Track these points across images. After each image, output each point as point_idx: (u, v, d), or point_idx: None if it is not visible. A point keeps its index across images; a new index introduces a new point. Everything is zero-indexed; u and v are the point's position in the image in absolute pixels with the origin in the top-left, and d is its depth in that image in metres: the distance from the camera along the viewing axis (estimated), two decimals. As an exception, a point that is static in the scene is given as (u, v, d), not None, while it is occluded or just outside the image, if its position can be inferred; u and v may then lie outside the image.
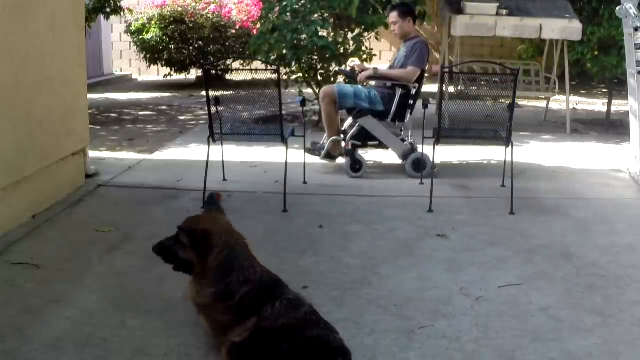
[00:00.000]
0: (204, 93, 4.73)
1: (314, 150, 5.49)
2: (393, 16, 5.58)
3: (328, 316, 2.49)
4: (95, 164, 5.27)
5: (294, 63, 7.18)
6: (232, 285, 2.41)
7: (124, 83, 12.91)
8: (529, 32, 7.56)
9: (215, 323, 2.48)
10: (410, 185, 5.10)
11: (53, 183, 4.40)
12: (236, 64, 10.28)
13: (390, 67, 5.68)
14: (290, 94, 8.00)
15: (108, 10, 8.33)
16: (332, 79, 7.19)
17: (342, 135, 5.50)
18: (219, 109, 4.58)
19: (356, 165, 5.30)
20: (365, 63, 6.36)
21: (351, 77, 5.87)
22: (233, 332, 2.36)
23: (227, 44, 11.26)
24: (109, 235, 3.83)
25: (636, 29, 5.07)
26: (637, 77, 5.16)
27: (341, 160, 5.52)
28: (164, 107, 9.60)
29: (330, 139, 5.42)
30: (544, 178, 5.42)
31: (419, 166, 5.24)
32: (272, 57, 7.11)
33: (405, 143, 5.42)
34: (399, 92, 5.30)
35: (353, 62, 5.86)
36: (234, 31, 11.16)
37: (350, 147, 5.40)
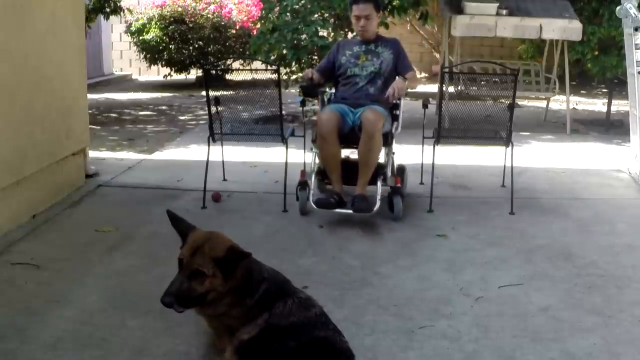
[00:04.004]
0: (204, 93, 4.73)
1: (360, 208, 4.10)
2: (368, 8, 4.45)
3: (328, 316, 2.48)
4: (95, 164, 5.27)
5: (294, 63, 7.18)
6: (252, 285, 2.36)
7: (124, 83, 12.91)
8: (529, 32, 7.55)
9: (224, 327, 2.41)
10: (410, 185, 5.09)
11: (53, 183, 4.40)
12: (236, 64, 10.29)
13: (347, 73, 4.54)
14: (290, 94, 7.99)
15: (107, 10, 8.33)
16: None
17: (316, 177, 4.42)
18: (219, 109, 4.58)
19: None
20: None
21: (310, 92, 4.69)
22: (243, 330, 2.32)
23: (227, 44, 11.27)
24: (109, 235, 3.83)
25: (636, 29, 5.08)
26: (637, 77, 5.16)
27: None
28: (164, 107, 9.60)
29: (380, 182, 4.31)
30: (544, 178, 5.41)
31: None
32: (272, 57, 7.12)
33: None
34: (402, 101, 4.57)
35: (310, 70, 4.65)
36: (234, 31, 11.17)
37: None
